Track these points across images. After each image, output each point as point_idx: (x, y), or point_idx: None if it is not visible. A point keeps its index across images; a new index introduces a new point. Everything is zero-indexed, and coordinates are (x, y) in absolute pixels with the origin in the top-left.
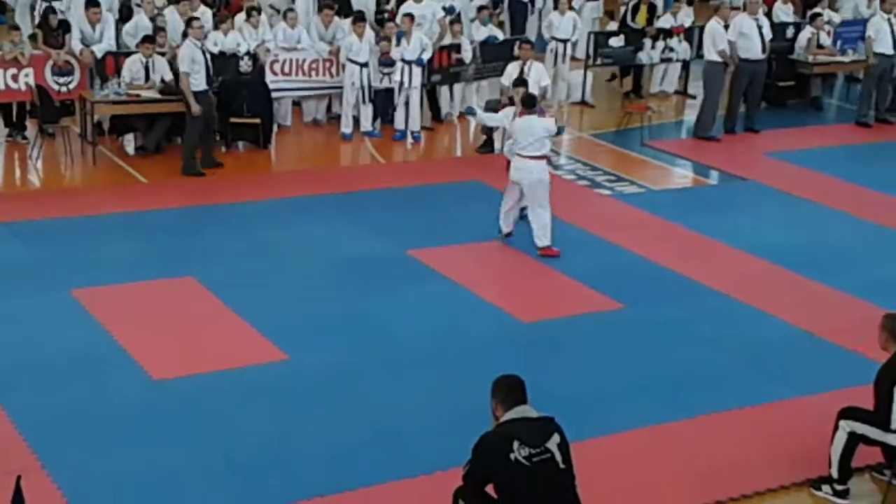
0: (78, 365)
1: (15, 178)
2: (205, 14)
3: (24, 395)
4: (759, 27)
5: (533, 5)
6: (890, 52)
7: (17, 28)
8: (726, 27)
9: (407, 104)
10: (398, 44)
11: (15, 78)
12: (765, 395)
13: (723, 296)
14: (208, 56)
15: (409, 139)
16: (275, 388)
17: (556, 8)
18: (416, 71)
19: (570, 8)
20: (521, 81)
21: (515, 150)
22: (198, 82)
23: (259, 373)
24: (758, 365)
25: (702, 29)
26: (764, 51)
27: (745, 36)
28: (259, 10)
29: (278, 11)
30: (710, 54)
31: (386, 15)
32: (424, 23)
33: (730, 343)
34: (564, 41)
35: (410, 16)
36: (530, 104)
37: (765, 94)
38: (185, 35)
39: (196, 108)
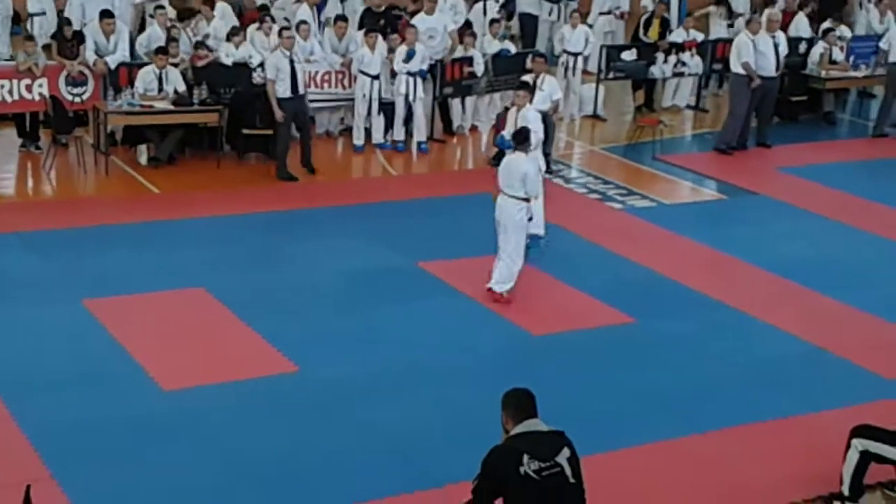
0: (89, 375)
1: (28, 188)
2: (219, 26)
3: (34, 405)
4: (776, 45)
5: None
6: None
7: (31, 39)
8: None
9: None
10: (407, 60)
11: (29, 88)
12: (776, 412)
13: (734, 311)
14: (296, 65)
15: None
16: (285, 399)
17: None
18: (420, 82)
19: (583, 22)
20: (523, 84)
21: (500, 185)
22: (283, 90)
23: (269, 384)
24: (769, 381)
25: (714, 43)
26: (777, 69)
27: (760, 53)
28: (273, 19)
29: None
30: (736, 67)
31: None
32: (437, 35)
33: (741, 358)
34: (575, 55)
35: (413, 28)
36: (520, 140)
37: (777, 108)
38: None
39: (279, 115)
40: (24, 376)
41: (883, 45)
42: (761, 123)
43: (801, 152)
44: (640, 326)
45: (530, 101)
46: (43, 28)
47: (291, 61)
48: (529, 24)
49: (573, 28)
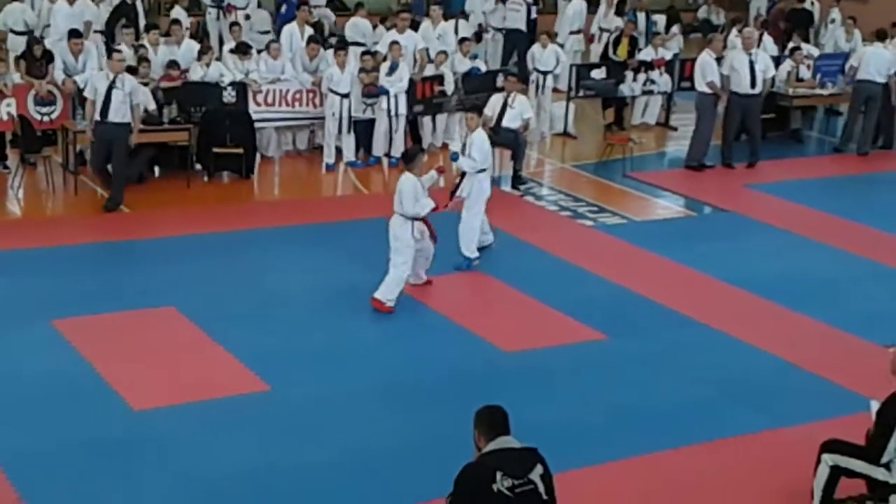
0: (58, 396)
1: None
2: (192, 47)
3: (3, 427)
4: (752, 62)
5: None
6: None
7: (1, 59)
8: (718, 60)
9: (391, 131)
10: (390, 73)
11: None
12: (747, 427)
13: (706, 327)
14: (114, 91)
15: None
16: (256, 418)
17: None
18: (402, 99)
19: (554, 42)
20: (474, 106)
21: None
22: (96, 112)
23: (240, 403)
24: (740, 396)
25: (682, 62)
26: (753, 86)
27: (736, 70)
28: (250, 46)
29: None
30: (701, 86)
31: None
32: (406, 54)
33: (713, 374)
34: (545, 73)
35: (398, 44)
36: (407, 160)
37: (744, 126)
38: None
39: (88, 135)
40: None
41: (853, 62)
42: (753, 140)
43: (769, 169)
44: (611, 343)
45: (483, 124)
46: (14, 46)
47: (111, 85)
48: (516, 39)
49: (543, 48)
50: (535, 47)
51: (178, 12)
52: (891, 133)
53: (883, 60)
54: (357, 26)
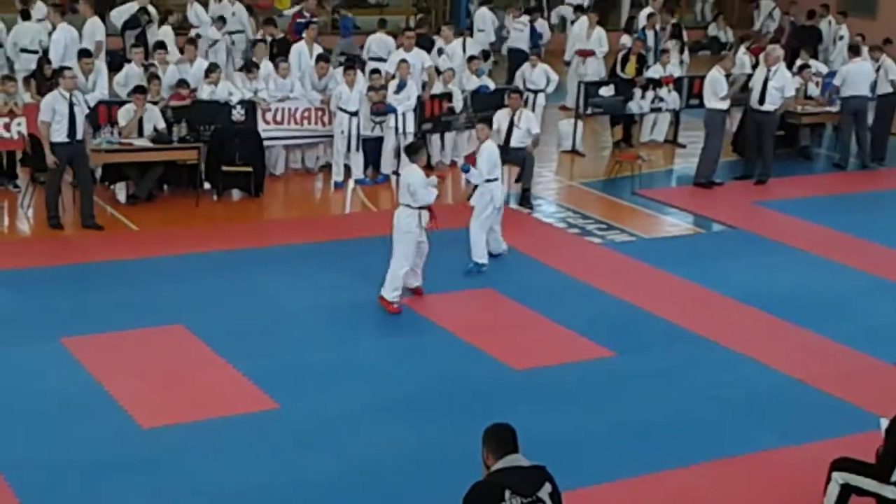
0: (67, 414)
1: (5, 226)
2: (203, 66)
3: (12, 445)
4: (766, 80)
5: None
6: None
7: (11, 79)
8: (727, 76)
9: (399, 149)
10: (398, 92)
11: (7, 127)
12: (756, 445)
13: (715, 344)
14: (76, 108)
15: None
16: (265, 436)
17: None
18: (410, 117)
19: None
20: (484, 118)
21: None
22: (58, 134)
23: (249, 421)
24: (750, 414)
25: (691, 80)
26: (762, 102)
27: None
28: (256, 65)
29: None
30: (710, 102)
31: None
32: (414, 71)
33: (722, 392)
34: (536, 91)
35: (406, 62)
36: (410, 152)
37: (757, 142)
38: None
39: (50, 160)
40: (2, 415)
41: (836, 81)
42: (764, 158)
43: (778, 187)
44: (620, 360)
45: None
46: (24, 65)
47: (71, 104)
48: (519, 59)
49: (532, 67)
50: (525, 66)
51: (206, 30)
52: (884, 145)
53: (866, 75)
54: (383, 42)
